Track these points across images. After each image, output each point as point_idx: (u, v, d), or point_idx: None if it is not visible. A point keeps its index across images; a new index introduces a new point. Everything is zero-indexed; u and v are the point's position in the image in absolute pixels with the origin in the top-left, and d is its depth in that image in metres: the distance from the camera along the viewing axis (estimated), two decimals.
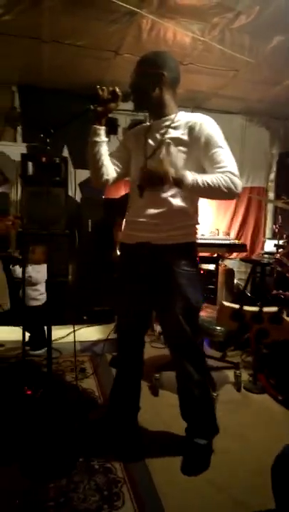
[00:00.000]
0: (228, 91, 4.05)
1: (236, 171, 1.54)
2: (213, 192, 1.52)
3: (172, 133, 1.60)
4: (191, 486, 1.59)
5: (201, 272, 3.81)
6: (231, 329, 2.64)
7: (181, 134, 1.59)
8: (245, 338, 2.84)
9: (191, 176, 1.50)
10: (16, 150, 3.68)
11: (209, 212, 4.67)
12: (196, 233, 1.72)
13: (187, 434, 1.79)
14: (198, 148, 1.57)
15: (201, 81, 3.81)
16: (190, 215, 1.66)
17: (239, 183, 1.54)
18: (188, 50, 3.22)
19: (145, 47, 3.13)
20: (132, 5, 2.63)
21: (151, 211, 1.62)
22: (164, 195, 1.59)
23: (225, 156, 1.55)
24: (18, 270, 3.05)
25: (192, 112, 1.69)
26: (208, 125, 1.58)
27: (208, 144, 1.55)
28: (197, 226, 1.72)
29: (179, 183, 1.50)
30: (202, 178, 1.50)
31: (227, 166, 1.53)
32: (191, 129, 1.57)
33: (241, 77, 3.70)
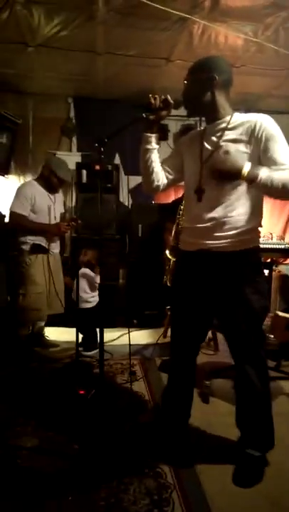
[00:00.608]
0: (282, 90, 3.93)
1: None
2: (279, 190, 1.44)
3: (229, 134, 1.56)
4: (242, 497, 1.54)
5: None
6: (287, 340, 2.54)
7: (240, 134, 1.54)
8: None
9: (265, 173, 1.42)
10: (71, 159, 3.85)
11: (265, 216, 4.52)
12: (259, 237, 1.65)
13: (240, 444, 1.73)
14: (259, 148, 1.52)
15: (254, 82, 3.74)
16: (253, 219, 1.59)
17: None
18: (241, 52, 3.17)
19: (196, 52, 3.14)
20: (183, 11, 2.65)
21: (211, 217, 1.57)
22: (225, 198, 1.55)
23: (286, 155, 1.49)
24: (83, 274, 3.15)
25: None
26: (268, 124, 1.52)
27: (268, 143, 1.50)
28: (260, 229, 1.65)
29: (252, 178, 1.41)
30: (274, 175, 1.43)
31: (287, 165, 1.47)
32: (250, 129, 1.52)
33: None
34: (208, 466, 1.71)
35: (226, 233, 1.54)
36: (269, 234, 3.84)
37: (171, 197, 4.06)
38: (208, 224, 1.58)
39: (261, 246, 3.61)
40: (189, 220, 1.68)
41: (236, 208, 1.55)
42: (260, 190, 1.53)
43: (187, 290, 1.72)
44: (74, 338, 2.39)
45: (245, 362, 1.64)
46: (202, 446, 1.87)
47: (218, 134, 1.59)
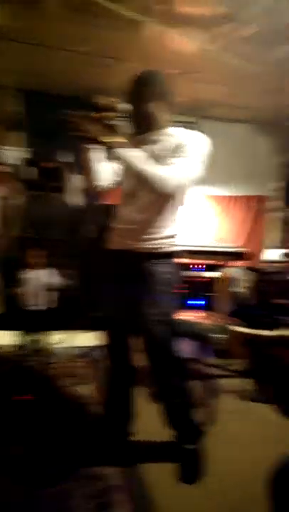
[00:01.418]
0: (234, 100, 4.07)
1: (180, 178, 1.53)
2: (143, 176, 1.52)
3: (158, 146, 1.62)
4: (188, 494, 1.55)
5: (203, 279, 3.79)
6: (244, 356, 2.57)
7: (166, 148, 1.61)
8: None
9: (135, 152, 1.50)
10: (19, 155, 3.70)
11: (214, 219, 4.67)
12: (173, 243, 1.74)
13: (175, 441, 1.77)
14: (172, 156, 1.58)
15: (206, 90, 3.84)
16: (171, 226, 1.69)
17: (173, 184, 1.52)
18: (193, 58, 3.24)
19: (149, 55, 3.17)
20: (137, 13, 2.66)
21: (136, 219, 1.67)
22: (151, 205, 1.64)
23: (182, 164, 1.54)
24: (28, 275, 3.04)
25: (197, 121, 1.72)
26: (189, 137, 1.60)
27: (176, 150, 1.56)
28: (173, 238, 1.73)
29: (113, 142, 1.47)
30: (141, 157, 1.51)
31: (175, 167, 1.52)
32: (175, 144, 1.59)
33: (248, 86, 3.72)
34: (155, 466, 1.71)
35: (146, 236, 1.65)
36: (220, 237, 3.96)
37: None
38: (132, 226, 1.67)
39: (211, 249, 3.71)
40: (117, 220, 1.76)
41: (158, 215, 1.65)
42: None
43: (108, 287, 1.79)
44: (15, 342, 2.29)
45: (157, 360, 1.71)
46: (148, 447, 1.86)
47: (150, 145, 1.65)
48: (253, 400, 2.39)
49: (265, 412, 2.29)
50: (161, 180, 1.51)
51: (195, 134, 1.63)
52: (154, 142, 1.65)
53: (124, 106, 1.66)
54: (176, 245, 1.76)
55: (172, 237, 1.73)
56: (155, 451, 1.83)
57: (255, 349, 2.45)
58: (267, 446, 1.89)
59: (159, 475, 1.66)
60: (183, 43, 3.03)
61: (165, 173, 1.51)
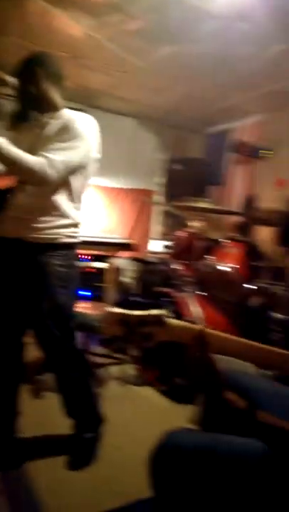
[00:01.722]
0: (119, 92, 4.09)
1: (57, 167, 1.49)
2: (21, 169, 1.48)
3: (50, 129, 1.58)
4: (76, 484, 1.57)
5: (91, 270, 3.79)
6: (118, 335, 2.68)
7: (57, 129, 1.57)
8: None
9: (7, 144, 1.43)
10: None
11: (103, 210, 4.68)
12: (74, 233, 1.69)
13: (73, 430, 1.77)
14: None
15: (91, 78, 3.78)
16: (67, 215, 1.63)
17: (52, 175, 1.48)
18: (79, 44, 3.15)
19: (34, 33, 2.99)
20: None
21: (27, 207, 1.58)
22: (42, 193, 1.57)
23: (62, 152, 1.51)
24: None
25: (85, 109, 1.71)
26: (76, 121, 1.57)
27: (65, 133, 1.54)
28: (75, 227, 1.69)
29: None
30: (15, 150, 1.44)
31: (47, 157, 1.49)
32: (64, 125, 1.57)
33: (132, 80, 3.78)
34: (42, 462, 1.68)
35: (36, 225, 1.57)
36: (108, 229, 4.00)
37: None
38: (23, 214, 1.58)
39: (98, 240, 3.73)
40: (9, 207, 1.65)
41: (52, 204, 1.58)
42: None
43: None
44: None
45: (53, 356, 1.69)
46: (34, 443, 1.81)
47: (41, 127, 1.60)
48: (137, 384, 2.51)
49: (149, 394, 2.43)
50: (40, 170, 1.44)
51: (85, 116, 1.60)
52: (45, 125, 1.58)
53: (14, 80, 1.59)
54: (78, 236, 1.69)
55: (72, 226, 1.65)
56: (44, 446, 1.79)
57: (129, 329, 2.56)
58: (151, 428, 2.00)
59: (47, 469, 1.63)
60: (70, 25, 2.92)
61: (45, 162, 1.45)
